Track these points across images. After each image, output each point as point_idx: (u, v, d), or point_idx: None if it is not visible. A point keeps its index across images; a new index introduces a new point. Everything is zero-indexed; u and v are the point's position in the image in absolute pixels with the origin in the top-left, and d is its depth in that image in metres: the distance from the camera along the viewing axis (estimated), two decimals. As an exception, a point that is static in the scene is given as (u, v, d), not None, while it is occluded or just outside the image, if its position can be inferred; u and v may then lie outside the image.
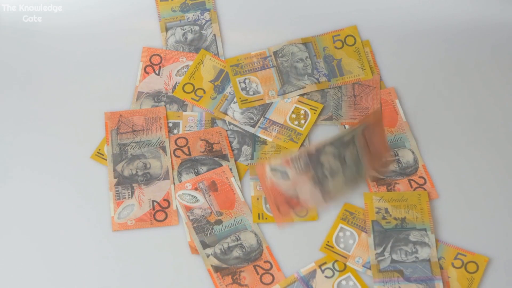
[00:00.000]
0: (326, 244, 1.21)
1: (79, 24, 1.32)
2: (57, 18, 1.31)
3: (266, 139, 1.27)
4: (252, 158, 1.26)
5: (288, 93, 1.30)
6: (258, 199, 1.23)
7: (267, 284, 1.17)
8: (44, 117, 1.27)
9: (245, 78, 1.30)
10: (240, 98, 1.29)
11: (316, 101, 1.29)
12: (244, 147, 1.27)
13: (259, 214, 1.22)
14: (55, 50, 1.31)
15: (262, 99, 1.29)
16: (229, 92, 1.30)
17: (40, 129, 1.26)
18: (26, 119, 1.27)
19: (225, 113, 1.29)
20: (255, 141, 1.28)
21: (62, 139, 1.26)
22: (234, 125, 1.28)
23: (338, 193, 1.09)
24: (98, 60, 1.31)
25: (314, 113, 1.28)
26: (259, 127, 1.28)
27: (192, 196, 1.22)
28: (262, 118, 1.28)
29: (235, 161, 1.26)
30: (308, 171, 1.07)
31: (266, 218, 1.22)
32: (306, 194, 1.07)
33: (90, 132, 1.27)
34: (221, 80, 1.31)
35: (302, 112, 1.28)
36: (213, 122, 1.28)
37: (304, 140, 1.27)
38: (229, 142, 1.27)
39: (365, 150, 1.10)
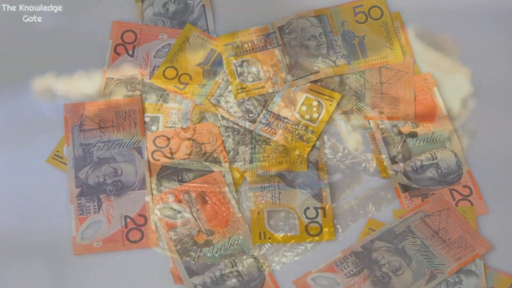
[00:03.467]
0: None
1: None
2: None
3: (269, 138, 1.23)
4: (251, 162, 1.23)
5: (297, 79, 1.25)
6: (259, 213, 1.19)
7: (271, 325, 1.16)
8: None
9: (243, 61, 1.26)
10: (236, 86, 1.25)
11: (332, 90, 1.25)
12: (241, 148, 1.23)
13: (260, 232, 1.18)
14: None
15: (263, 87, 1.25)
16: (222, 79, 1.26)
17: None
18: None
19: (218, 105, 1.25)
20: (255, 141, 1.23)
21: (13, 141, 1.24)
22: (228, 120, 1.24)
23: None
24: (62, 37, 1.30)
25: (330, 104, 1.24)
26: (260, 123, 1.23)
27: (175, 210, 1.19)
28: (264, 111, 1.25)
29: (230, 166, 1.23)
30: (361, 272, 1.13)
31: (269, 238, 1.18)
32: None
33: (45, 129, 1.25)
34: (212, 63, 1.27)
35: (315, 103, 1.24)
36: (202, 116, 1.25)
37: (317, 139, 1.23)
38: (222, 142, 1.23)
39: (437, 240, 1.15)
